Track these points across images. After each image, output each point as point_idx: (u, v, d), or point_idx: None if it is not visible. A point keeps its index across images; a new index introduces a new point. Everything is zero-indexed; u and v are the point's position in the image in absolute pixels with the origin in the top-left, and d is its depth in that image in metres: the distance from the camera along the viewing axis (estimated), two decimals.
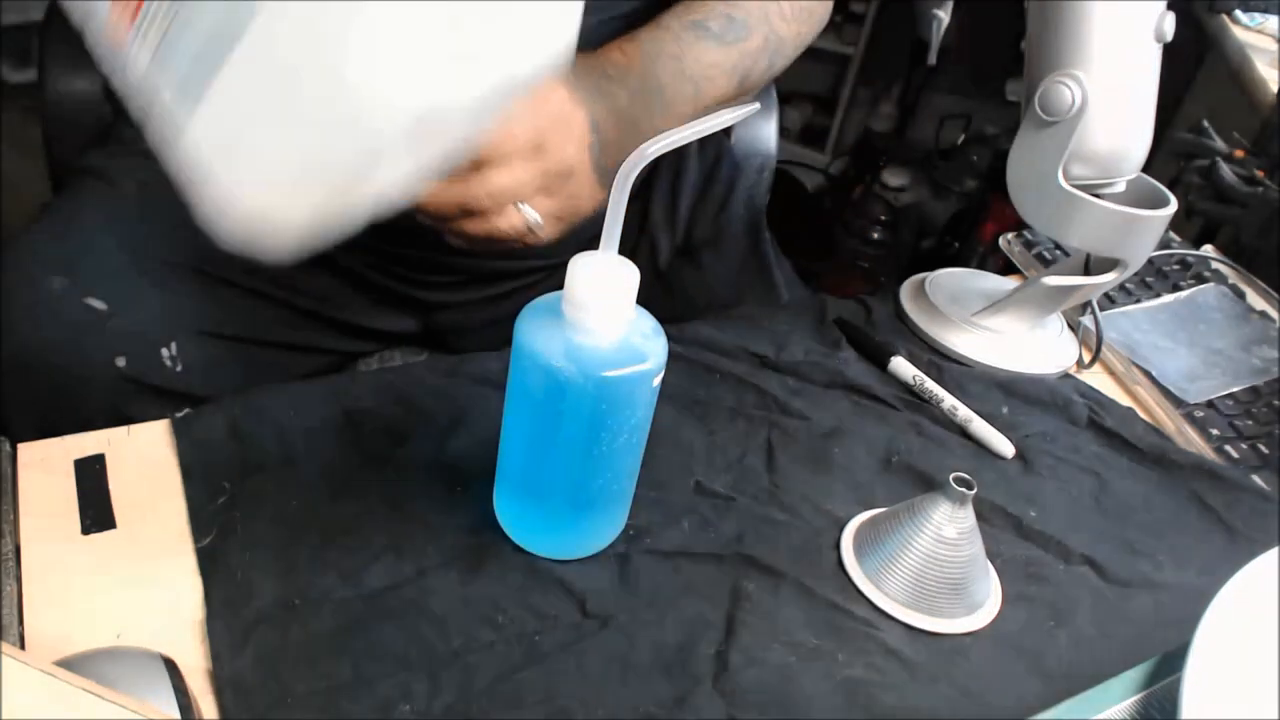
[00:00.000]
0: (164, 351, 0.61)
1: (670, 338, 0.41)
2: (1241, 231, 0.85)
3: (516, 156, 0.50)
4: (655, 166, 0.80)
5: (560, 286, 0.39)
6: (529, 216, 0.52)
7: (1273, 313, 0.72)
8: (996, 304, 0.65)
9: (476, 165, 0.49)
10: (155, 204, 0.67)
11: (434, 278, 0.73)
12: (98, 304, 0.59)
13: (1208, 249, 0.78)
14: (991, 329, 0.65)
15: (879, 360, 0.62)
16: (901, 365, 0.61)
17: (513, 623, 0.42)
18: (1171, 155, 0.96)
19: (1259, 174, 0.90)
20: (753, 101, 0.54)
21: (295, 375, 0.68)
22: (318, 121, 0.24)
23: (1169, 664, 0.42)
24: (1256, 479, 0.57)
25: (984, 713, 0.41)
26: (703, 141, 0.77)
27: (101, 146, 0.73)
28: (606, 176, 0.55)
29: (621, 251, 0.38)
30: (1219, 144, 0.92)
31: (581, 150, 0.53)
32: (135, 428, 0.50)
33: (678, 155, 0.80)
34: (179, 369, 0.62)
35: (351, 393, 0.53)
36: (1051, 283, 0.63)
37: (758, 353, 0.61)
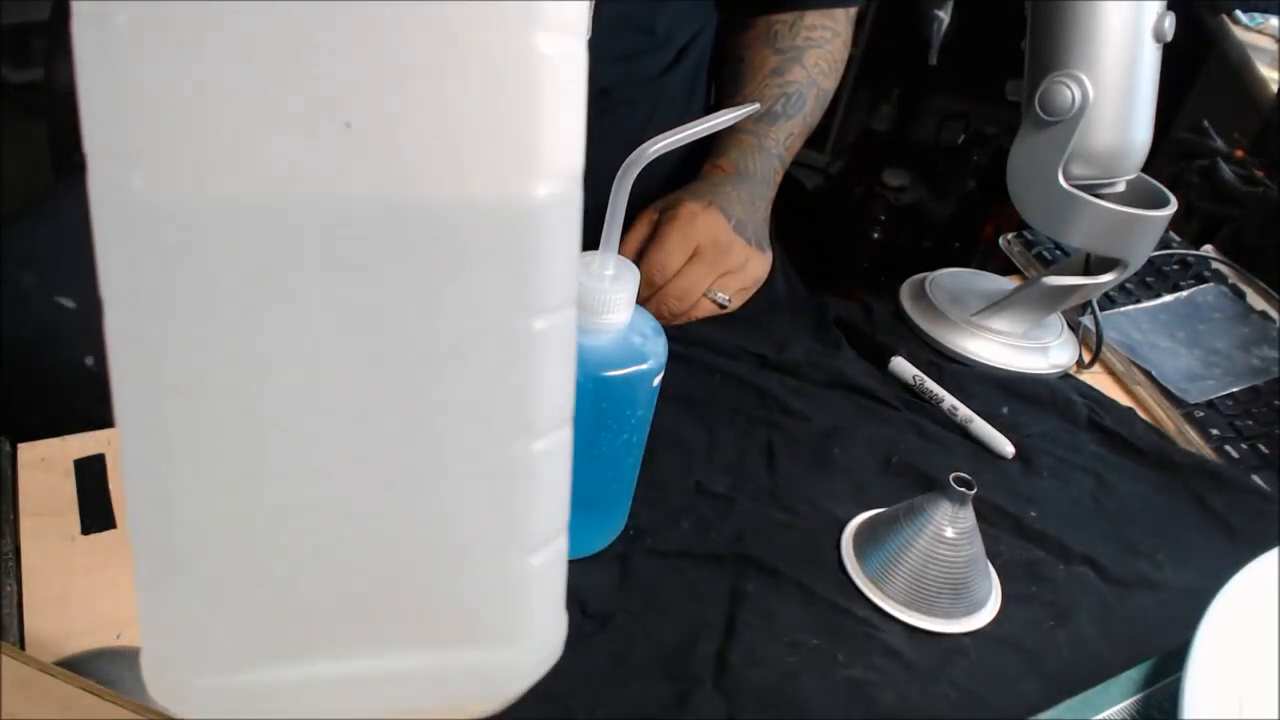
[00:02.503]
0: None
1: (670, 338, 0.41)
2: (1241, 231, 0.85)
3: (684, 264, 0.65)
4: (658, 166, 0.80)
5: None
6: (718, 299, 0.66)
7: (1273, 312, 0.72)
8: (997, 304, 0.65)
9: (655, 285, 0.64)
10: None
11: None
12: (67, 302, 0.59)
13: (1208, 249, 0.78)
14: (992, 329, 0.65)
15: (879, 360, 0.62)
16: (902, 365, 0.61)
17: None
18: (1172, 155, 0.96)
19: (1259, 174, 0.90)
20: (750, 101, 0.55)
21: None
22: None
23: (1169, 664, 0.42)
24: (1257, 479, 0.57)
25: (984, 713, 0.41)
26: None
27: None
28: (760, 244, 0.70)
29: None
30: (1219, 144, 0.92)
31: (727, 231, 0.67)
32: None
33: (681, 155, 0.81)
34: None
35: None
36: (1052, 283, 0.63)
37: (758, 353, 0.61)
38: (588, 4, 0.21)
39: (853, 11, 0.83)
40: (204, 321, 0.20)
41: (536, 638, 0.23)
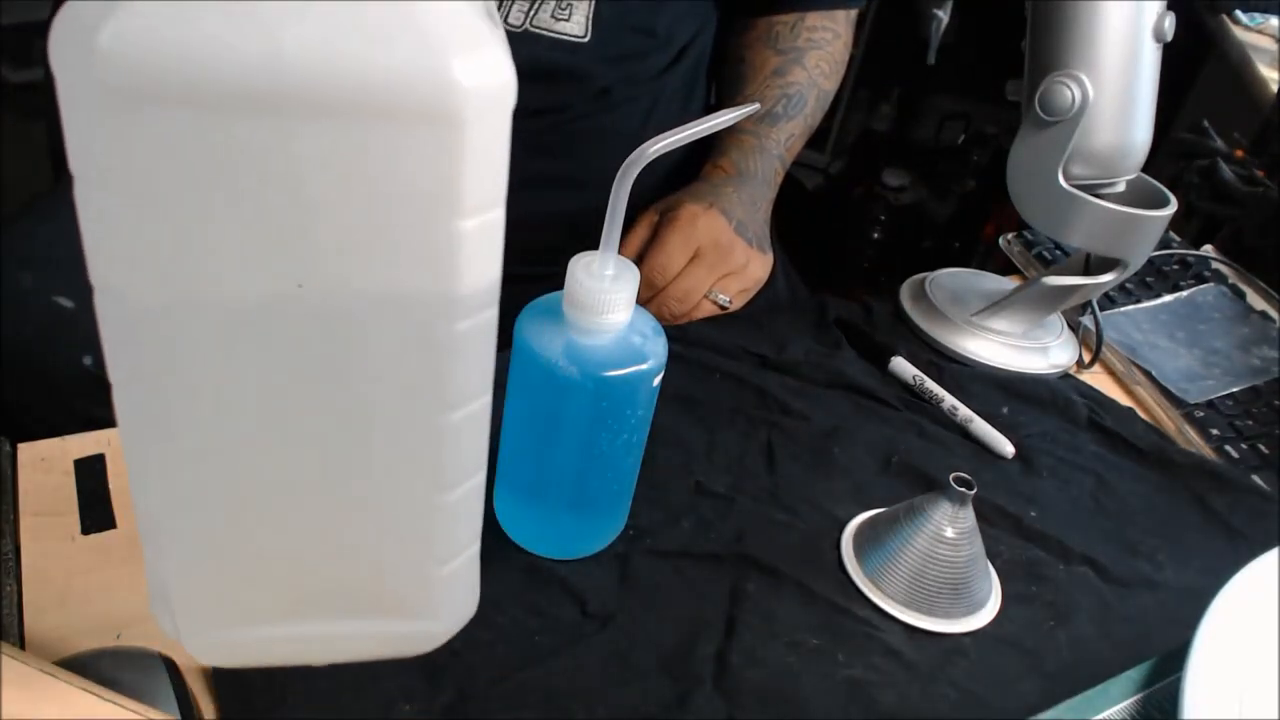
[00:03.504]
0: None
1: (670, 338, 0.41)
2: (1241, 231, 0.85)
3: (685, 266, 0.65)
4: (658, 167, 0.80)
5: (560, 286, 0.39)
6: (719, 300, 0.66)
7: (1273, 312, 0.72)
8: (997, 304, 0.65)
9: (656, 287, 0.64)
10: None
11: None
12: (65, 302, 0.59)
13: (1208, 249, 0.78)
14: (992, 329, 0.65)
15: (879, 360, 0.62)
16: (902, 365, 0.61)
17: (512, 622, 0.42)
18: (1172, 155, 0.96)
19: (1259, 174, 0.90)
20: (751, 102, 0.55)
21: None
22: None
23: (1169, 664, 0.42)
24: (1257, 479, 0.57)
25: (984, 713, 0.41)
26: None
27: None
28: (760, 245, 0.70)
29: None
30: (1219, 144, 0.92)
31: (728, 232, 0.67)
32: None
33: (680, 155, 0.81)
34: None
35: None
36: (1052, 283, 0.63)
37: (758, 353, 0.61)
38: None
39: (853, 13, 0.83)
40: (187, 396, 0.26)
41: (449, 615, 0.32)
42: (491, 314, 0.26)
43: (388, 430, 0.27)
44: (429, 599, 0.31)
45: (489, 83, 0.22)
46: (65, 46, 0.20)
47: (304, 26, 0.20)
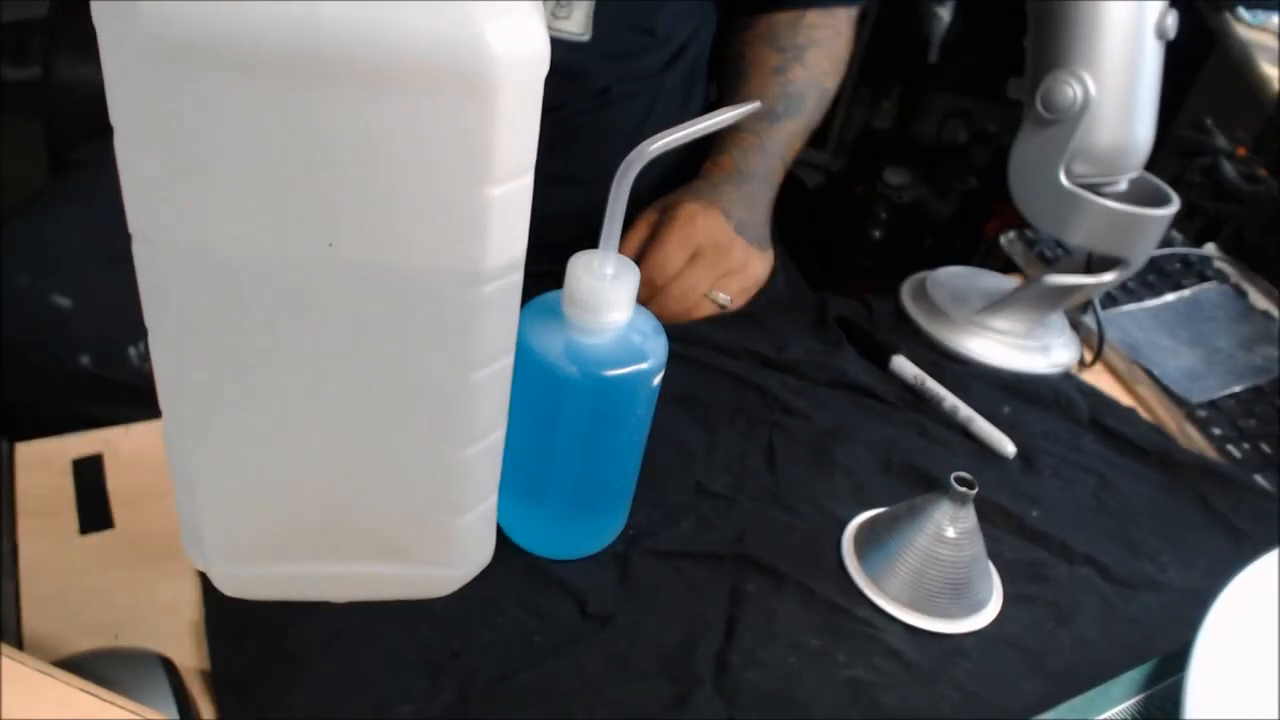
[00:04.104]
0: (131, 351, 0.61)
1: (670, 337, 0.41)
2: (1244, 230, 0.85)
3: (684, 265, 0.65)
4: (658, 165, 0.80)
5: (560, 285, 0.39)
6: (719, 299, 0.66)
7: (1275, 311, 0.72)
8: (998, 303, 0.65)
9: (656, 286, 0.64)
10: None
11: None
12: (64, 301, 0.59)
13: (1210, 247, 0.78)
14: (993, 328, 0.65)
15: (880, 359, 0.62)
16: (903, 364, 0.61)
17: (512, 623, 0.42)
18: (1174, 153, 0.96)
19: (1261, 172, 0.89)
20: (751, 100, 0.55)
21: None
22: None
23: (1171, 664, 0.42)
24: (1259, 479, 0.57)
25: (985, 713, 0.41)
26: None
27: (97, 139, 0.72)
28: (760, 244, 0.70)
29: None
30: (1221, 142, 0.92)
31: (728, 231, 0.67)
32: (133, 427, 0.50)
33: (680, 155, 0.81)
34: (148, 368, 0.62)
35: None
36: (1053, 282, 0.62)
37: (758, 352, 0.61)
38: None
39: (854, 11, 0.83)
40: (220, 345, 0.26)
41: (464, 562, 0.33)
42: (517, 278, 0.27)
43: (413, 387, 0.27)
44: (447, 547, 0.32)
45: (522, 50, 0.22)
46: (107, 4, 0.21)
47: None
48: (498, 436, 0.31)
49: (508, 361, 0.29)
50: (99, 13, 0.21)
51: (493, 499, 0.33)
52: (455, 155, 0.23)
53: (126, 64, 0.21)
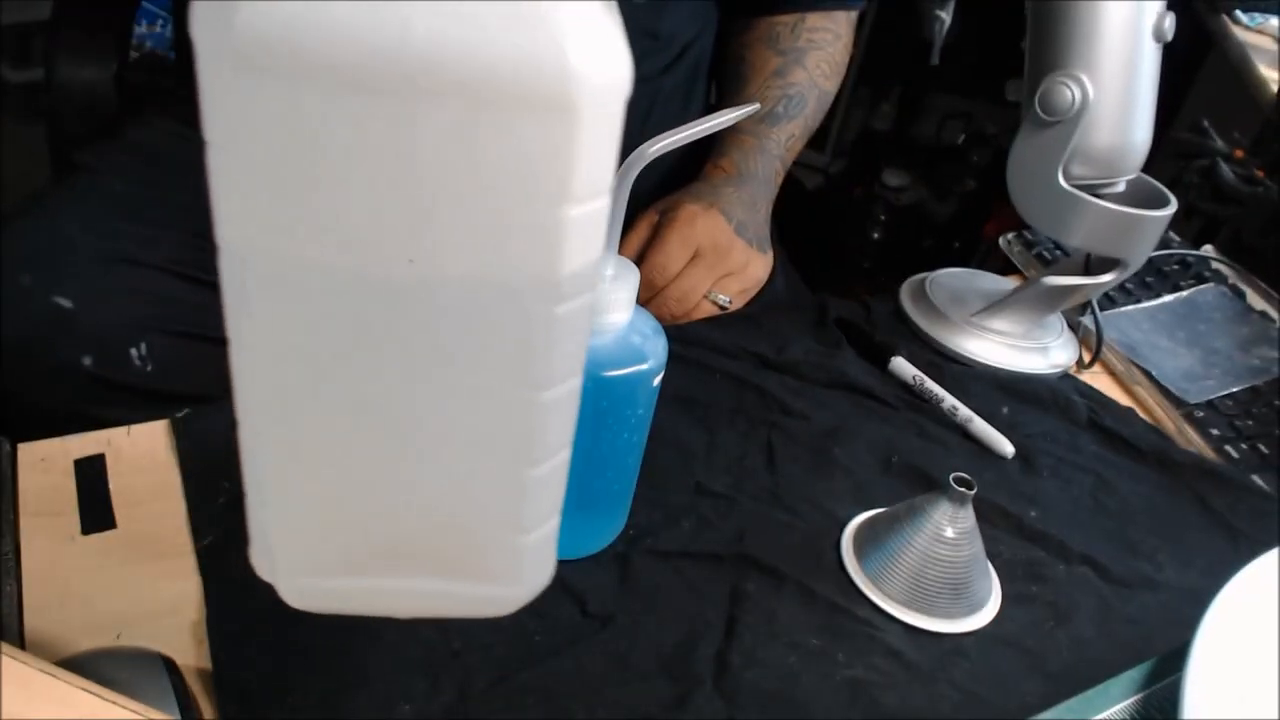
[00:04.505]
0: (133, 351, 0.61)
1: (670, 338, 0.41)
2: (1241, 231, 0.85)
3: (685, 266, 0.65)
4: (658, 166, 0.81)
5: None
6: (719, 300, 0.67)
7: (1273, 313, 0.72)
8: (997, 304, 0.65)
9: (656, 287, 0.65)
10: (142, 204, 0.67)
11: None
12: (65, 302, 0.59)
13: (1208, 249, 0.78)
14: (992, 329, 0.65)
15: (879, 360, 0.62)
16: (902, 365, 0.61)
17: (512, 623, 0.42)
18: (1172, 155, 0.96)
19: (1259, 174, 0.90)
20: (751, 101, 0.55)
21: None
22: None
23: (1169, 664, 0.42)
24: (1257, 479, 0.57)
25: (984, 713, 0.41)
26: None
27: (100, 141, 0.73)
28: (760, 245, 0.70)
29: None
30: (1219, 144, 0.92)
31: (728, 232, 0.67)
32: (135, 428, 0.50)
33: (680, 155, 0.81)
34: (150, 369, 0.62)
35: None
36: (1052, 283, 0.63)
37: (758, 353, 0.61)
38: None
39: (854, 15, 0.83)
40: (299, 358, 0.27)
41: (527, 582, 0.33)
42: (588, 298, 0.27)
43: (485, 404, 0.28)
44: (511, 565, 0.32)
45: (607, 73, 0.23)
46: (204, 19, 0.21)
47: (433, 11, 0.21)
48: (565, 456, 0.31)
49: (577, 382, 0.29)
50: (196, 27, 0.21)
51: (557, 518, 0.33)
52: (537, 175, 0.23)
53: (223, 75, 0.22)
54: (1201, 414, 0.62)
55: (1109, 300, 0.72)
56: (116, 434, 0.49)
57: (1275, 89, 1.11)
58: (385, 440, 0.28)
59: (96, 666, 0.34)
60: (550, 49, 0.22)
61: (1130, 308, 0.71)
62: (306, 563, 0.31)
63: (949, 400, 0.59)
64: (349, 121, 0.22)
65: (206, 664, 0.39)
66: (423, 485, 0.30)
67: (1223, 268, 0.76)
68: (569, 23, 0.22)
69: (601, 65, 0.22)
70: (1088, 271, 0.63)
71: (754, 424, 0.56)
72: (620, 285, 0.38)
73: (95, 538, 0.44)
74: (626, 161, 0.36)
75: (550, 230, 0.24)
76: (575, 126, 0.23)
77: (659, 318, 0.58)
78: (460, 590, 0.33)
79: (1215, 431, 0.61)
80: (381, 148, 0.23)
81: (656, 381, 0.41)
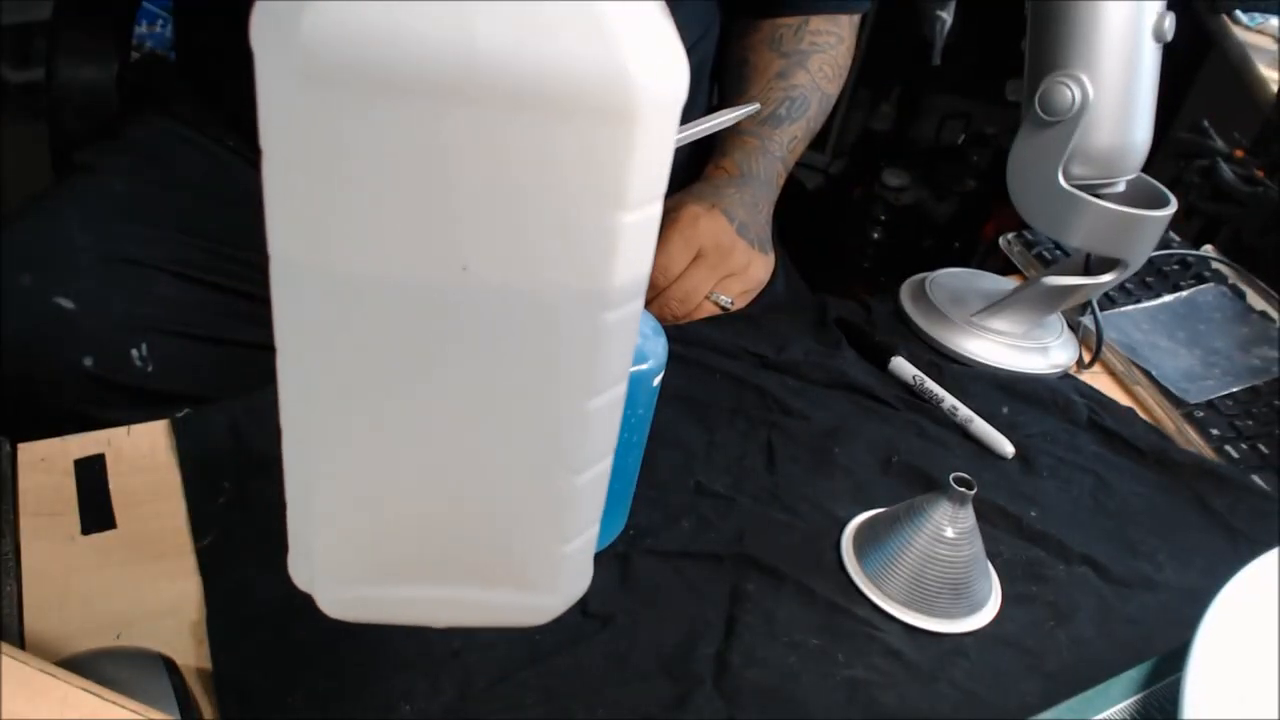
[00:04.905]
0: (134, 352, 0.61)
1: (670, 338, 0.41)
2: (1241, 231, 0.85)
3: (687, 267, 0.65)
4: None
5: None
6: (720, 301, 0.67)
7: (1273, 313, 0.72)
8: (997, 304, 0.65)
9: (658, 288, 0.64)
10: (142, 204, 0.67)
11: None
12: (65, 303, 0.59)
13: (1208, 249, 0.78)
14: (992, 329, 0.65)
15: (879, 360, 0.62)
16: (902, 365, 0.61)
17: None
18: (1172, 155, 0.96)
19: (1259, 174, 0.90)
20: (753, 103, 0.55)
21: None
22: None
23: (1169, 664, 0.42)
24: (1257, 479, 0.57)
25: (984, 713, 0.41)
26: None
27: (100, 141, 0.73)
28: (762, 246, 0.70)
29: None
30: (1219, 144, 0.92)
31: (730, 233, 0.67)
32: (136, 428, 0.50)
33: (683, 157, 0.81)
34: (150, 369, 0.62)
35: None
36: (1052, 283, 0.63)
37: (758, 353, 0.61)
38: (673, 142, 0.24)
39: (856, 18, 0.83)
40: (348, 366, 0.26)
41: (565, 591, 0.33)
42: (637, 305, 0.27)
43: (530, 412, 0.28)
44: (551, 574, 0.32)
45: (665, 80, 0.23)
46: (266, 29, 0.21)
47: (495, 19, 0.21)
48: (607, 464, 0.31)
49: (622, 389, 0.29)
50: (257, 35, 0.21)
51: (596, 528, 0.33)
52: (593, 181, 0.24)
53: (284, 84, 0.22)
54: (1201, 414, 0.62)
55: (1109, 300, 0.72)
56: (116, 434, 0.49)
57: (1275, 89, 1.11)
58: (431, 448, 0.28)
59: (96, 666, 0.34)
60: (607, 55, 0.22)
61: (1130, 308, 0.71)
62: (348, 571, 0.31)
63: (949, 400, 0.59)
64: (408, 129, 0.22)
65: (206, 664, 0.39)
66: (466, 492, 0.30)
67: (1223, 268, 0.76)
68: (628, 29, 0.22)
69: (660, 72, 0.22)
70: (1088, 271, 0.64)
71: (754, 424, 0.56)
72: None
73: (95, 538, 0.44)
74: None
75: (605, 236, 0.24)
76: (633, 133, 0.23)
77: (660, 318, 0.58)
78: (497, 599, 0.33)
79: (1215, 431, 0.61)
80: (438, 155, 0.23)
81: (656, 381, 0.41)
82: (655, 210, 0.25)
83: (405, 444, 0.28)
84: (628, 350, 0.28)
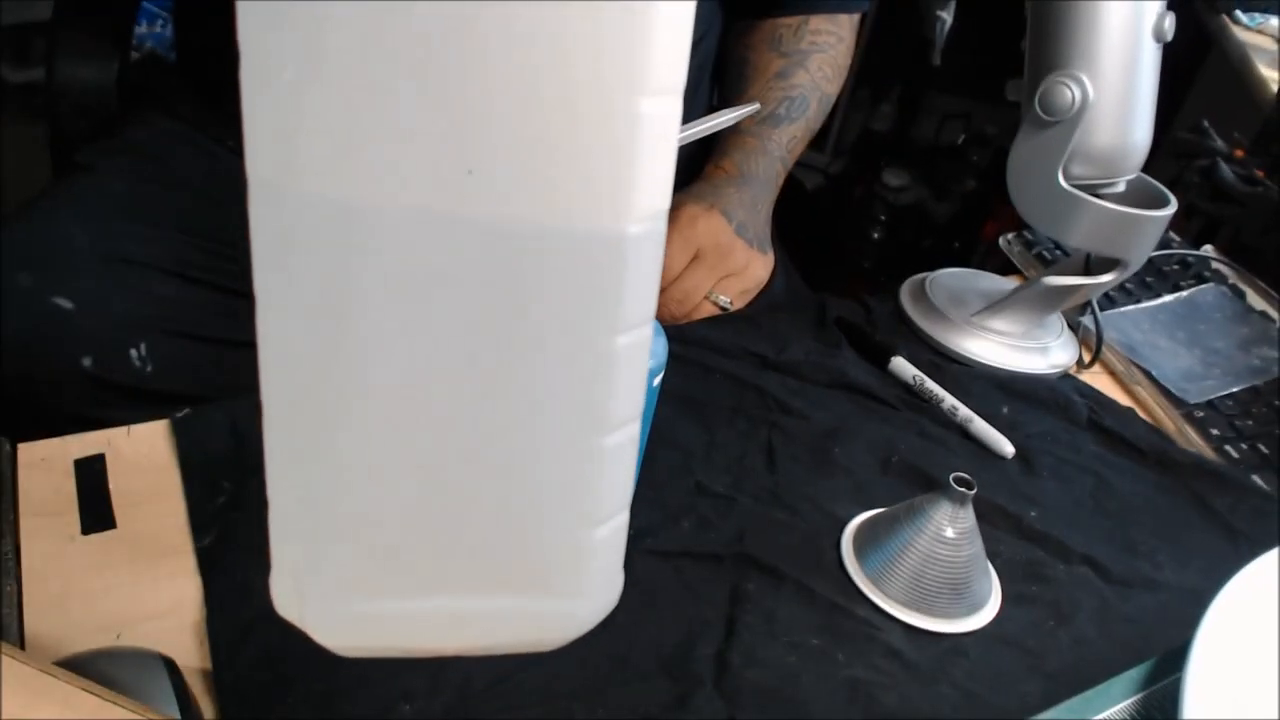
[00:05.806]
0: (133, 352, 0.61)
1: (670, 338, 0.41)
2: (1241, 231, 0.85)
3: (686, 267, 0.65)
4: None
5: None
6: (720, 301, 0.67)
7: (1273, 312, 0.72)
8: (997, 304, 0.65)
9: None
10: (141, 204, 0.67)
11: None
12: (64, 303, 0.59)
13: (1208, 249, 0.78)
14: (992, 329, 0.65)
15: (879, 360, 0.62)
16: (902, 365, 0.61)
17: None
18: (1172, 155, 0.96)
19: (1259, 174, 0.90)
20: (753, 103, 0.55)
21: None
22: None
23: (1169, 664, 0.42)
24: (1257, 479, 0.57)
25: (984, 713, 0.41)
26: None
27: (99, 141, 0.73)
28: (761, 246, 0.70)
29: None
30: (1219, 144, 0.92)
31: (729, 233, 0.67)
32: (136, 428, 0.50)
33: (682, 157, 0.81)
34: (149, 369, 0.62)
35: None
36: (1052, 283, 0.63)
37: (758, 353, 0.61)
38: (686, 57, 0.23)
39: (856, 18, 0.83)
40: (336, 307, 0.23)
41: (596, 594, 0.28)
42: (662, 228, 0.24)
43: (548, 358, 0.24)
44: (577, 570, 0.28)
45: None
46: None
47: None
48: (634, 429, 0.27)
49: (648, 331, 0.25)
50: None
51: (625, 516, 0.28)
52: (612, 65, 0.22)
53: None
54: (1201, 414, 0.62)
55: (1109, 300, 0.72)
56: (116, 434, 0.49)
57: (1275, 89, 1.11)
58: (435, 411, 0.24)
59: (96, 666, 0.34)
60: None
61: (1130, 308, 0.71)
62: (341, 583, 0.27)
63: (949, 400, 0.59)
64: (400, 24, 0.20)
65: (206, 664, 0.39)
66: (478, 466, 0.25)
67: (1223, 268, 0.76)
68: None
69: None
70: (1088, 271, 0.63)
71: (754, 424, 0.56)
72: None
73: (95, 538, 0.44)
74: None
75: (627, 124, 0.22)
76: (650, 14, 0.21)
77: (659, 318, 0.58)
78: (518, 609, 0.28)
79: (1215, 431, 0.61)
80: (436, 67, 0.20)
81: (656, 381, 0.41)
82: (676, 101, 0.23)
83: (405, 409, 0.24)
84: (653, 285, 0.25)
